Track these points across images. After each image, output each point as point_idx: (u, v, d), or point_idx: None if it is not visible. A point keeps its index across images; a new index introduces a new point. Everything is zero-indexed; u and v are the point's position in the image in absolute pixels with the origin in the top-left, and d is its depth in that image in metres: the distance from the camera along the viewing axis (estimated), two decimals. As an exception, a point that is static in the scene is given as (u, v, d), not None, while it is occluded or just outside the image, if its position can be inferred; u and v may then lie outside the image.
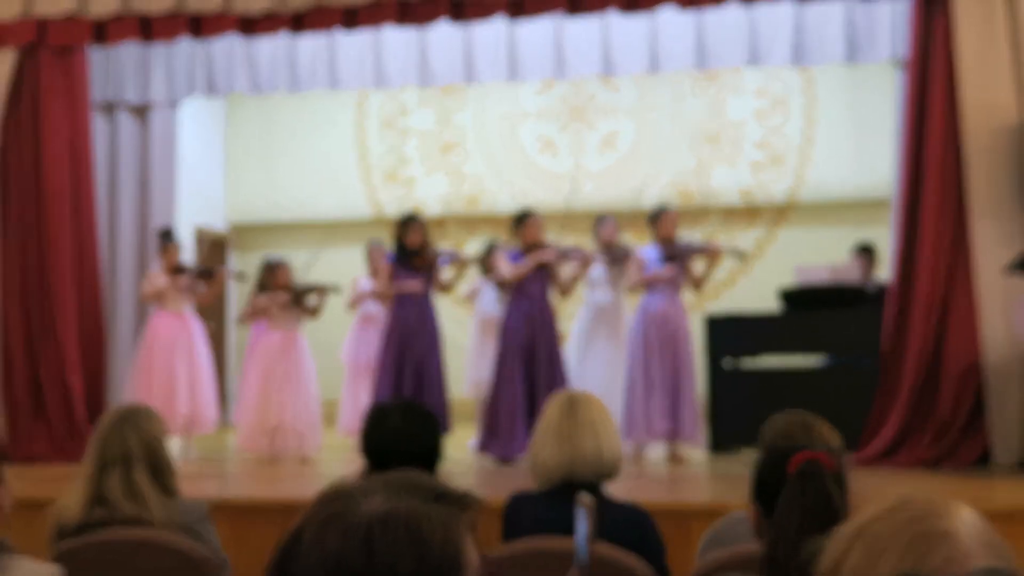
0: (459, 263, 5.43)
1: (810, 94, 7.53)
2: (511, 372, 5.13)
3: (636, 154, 7.76)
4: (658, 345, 5.24)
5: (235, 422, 6.02)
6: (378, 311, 6.16)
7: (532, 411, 5.04)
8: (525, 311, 5.23)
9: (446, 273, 5.56)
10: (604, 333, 5.70)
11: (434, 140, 8.05)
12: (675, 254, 5.32)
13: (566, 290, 5.43)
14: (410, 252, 5.38)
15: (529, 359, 5.16)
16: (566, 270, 5.54)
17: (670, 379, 5.23)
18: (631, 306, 5.80)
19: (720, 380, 5.45)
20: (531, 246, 5.29)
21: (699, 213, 7.64)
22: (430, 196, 7.98)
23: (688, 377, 5.25)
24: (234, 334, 8.17)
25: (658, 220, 5.44)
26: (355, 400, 6.06)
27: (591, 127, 7.85)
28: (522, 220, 5.35)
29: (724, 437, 5.35)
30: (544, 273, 5.30)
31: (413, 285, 5.33)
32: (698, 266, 5.61)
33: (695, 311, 7.36)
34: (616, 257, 5.66)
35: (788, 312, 5.54)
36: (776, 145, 7.57)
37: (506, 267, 5.29)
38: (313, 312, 5.74)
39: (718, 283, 7.58)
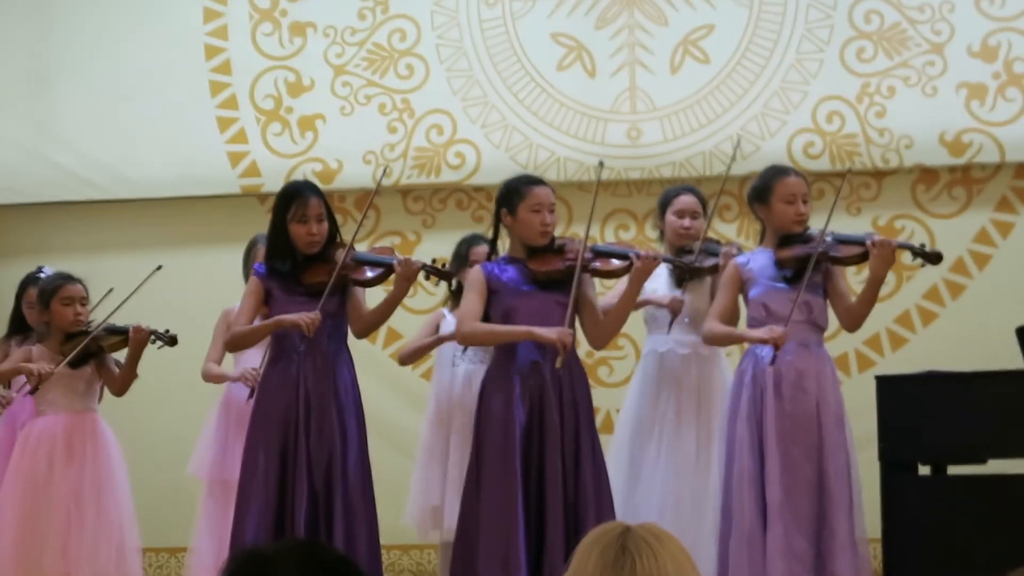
0: (403, 278, 5.43)
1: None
2: (500, 486, 5.13)
3: (744, 71, 7.81)
4: (782, 432, 5.28)
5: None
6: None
7: (539, 557, 5.05)
8: (525, 367, 5.24)
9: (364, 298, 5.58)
10: (681, 407, 5.77)
11: (356, 46, 8.10)
12: (800, 262, 5.36)
13: (606, 332, 5.43)
14: (301, 259, 5.43)
15: (533, 459, 5.16)
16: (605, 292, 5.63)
17: (809, 497, 5.26)
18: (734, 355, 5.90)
19: (905, 500, 5.46)
20: (537, 250, 5.33)
21: (864, 182, 7.66)
22: (350, 152, 8.00)
23: (843, 494, 5.28)
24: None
25: (767, 196, 5.47)
26: (220, 543, 6.13)
27: (658, 20, 7.91)
28: (512, 196, 5.35)
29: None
30: (563, 296, 5.29)
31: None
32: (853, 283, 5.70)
33: (855, 370, 7.40)
34: (697, 267, 5.73)
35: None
36: (1013, 49, 7.60)
37: (468, 309, 5.27)
38: (120, 382, 5.79)
39: (899, 316, 7.59)
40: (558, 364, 5.15)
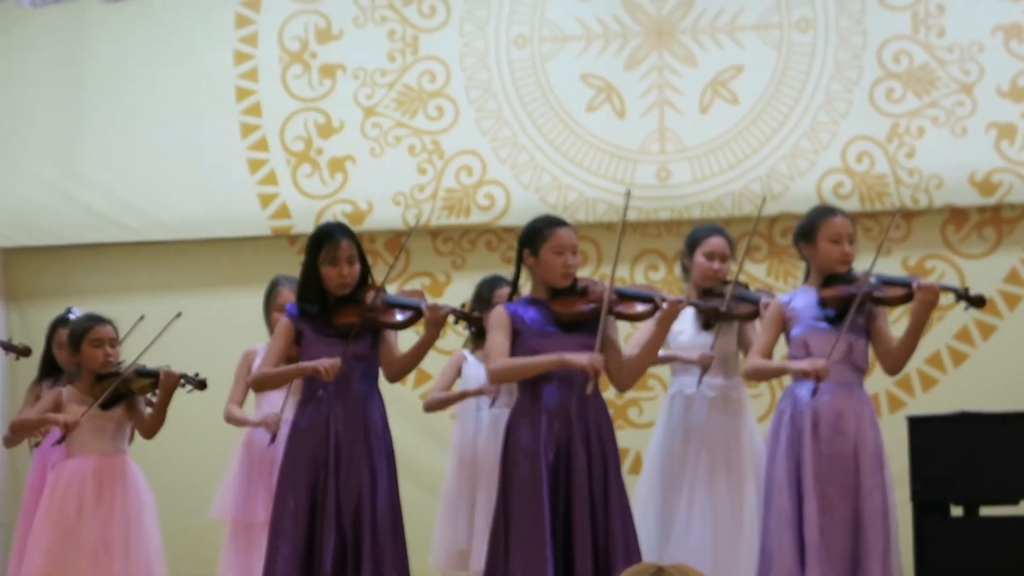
0: (432, 323, 5.46)
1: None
2: (528, 519, 5.10)
3: (773, 111, 7.82)
4: (819, 473, 5.28)
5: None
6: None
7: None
8: (552, 408, 5.25)
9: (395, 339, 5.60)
10: (712, 457, 5.79)
11: (386, 87, 8.15)
12: (843, 302, 5.38)
13: (631, 375, 5.43)
14: (332, 300, 5.46)
15: (560, 498, 5.15)
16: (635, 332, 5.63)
17: (845, 537, 5.26)
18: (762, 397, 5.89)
19: (938, 540, 5.47)
20: (560, 291, 5.31)
21: (895, 222, 7.62)
22: (380, 193, 8.05)
23: (878, 535, 5.27)
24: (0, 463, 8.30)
25: (813, 235, 5.51)
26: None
27: (687, 61, 7.95)
28: (535, 238, 5.32)
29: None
30: (585, 338, 5.26)
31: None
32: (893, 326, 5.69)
33: (886, 411, 7.39)
34: (726, 313, 5.75)
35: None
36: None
37: (495, 347, 5.24)
38: (149, 426, 5.83)
39: (930, 357, 7.56)
40: (588, 391, 5.15)
